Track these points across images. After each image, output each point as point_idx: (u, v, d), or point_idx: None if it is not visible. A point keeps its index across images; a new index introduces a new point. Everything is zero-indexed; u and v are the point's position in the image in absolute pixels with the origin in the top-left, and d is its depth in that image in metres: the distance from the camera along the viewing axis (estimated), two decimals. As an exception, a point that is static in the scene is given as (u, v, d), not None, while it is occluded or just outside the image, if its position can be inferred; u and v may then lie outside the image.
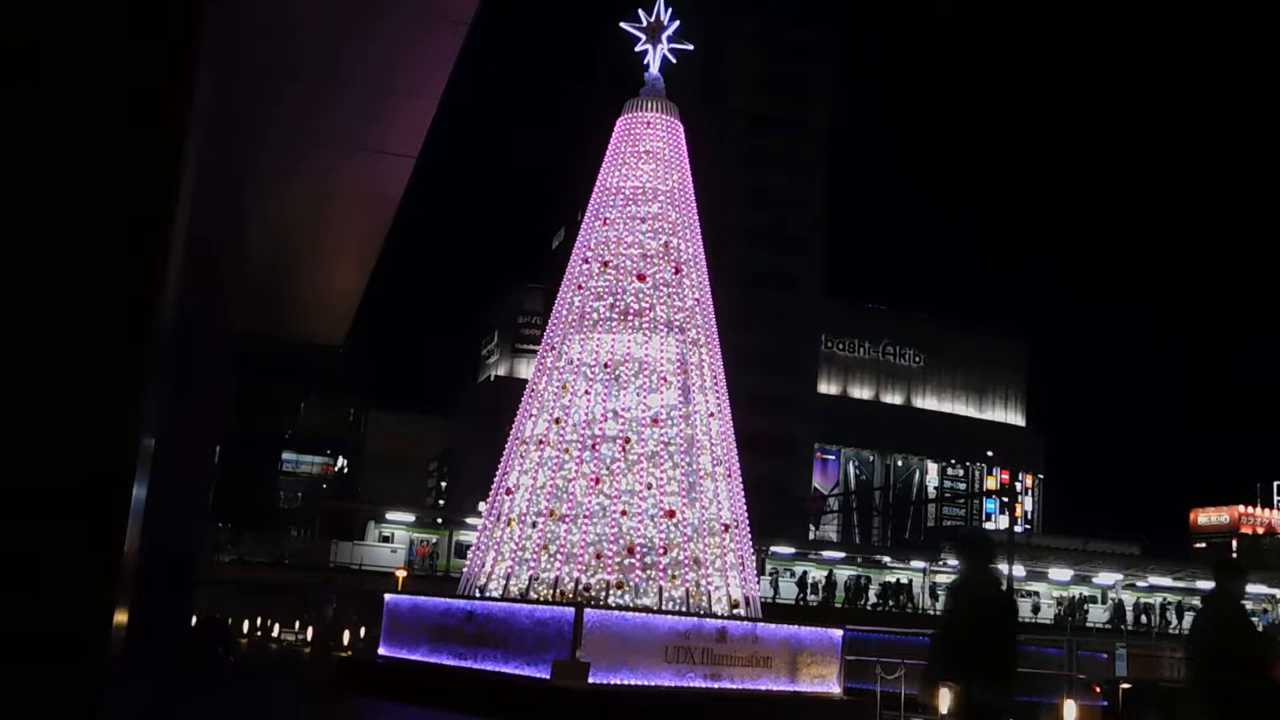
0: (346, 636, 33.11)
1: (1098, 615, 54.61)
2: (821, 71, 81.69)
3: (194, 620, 14.05)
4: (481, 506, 24.00)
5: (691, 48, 21.02)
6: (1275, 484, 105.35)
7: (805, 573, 51.57)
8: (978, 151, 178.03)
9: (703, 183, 21.38)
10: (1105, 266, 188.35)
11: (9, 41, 3.94)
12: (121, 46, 4.04)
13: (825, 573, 51.76)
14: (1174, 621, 55.09)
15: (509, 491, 18.90)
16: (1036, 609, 53.43)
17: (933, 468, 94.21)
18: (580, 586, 17.10)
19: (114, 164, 4.00)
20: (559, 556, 17.55)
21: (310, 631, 36.78)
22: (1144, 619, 54.81)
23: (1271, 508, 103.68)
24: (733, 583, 18.27)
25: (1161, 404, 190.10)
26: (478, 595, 18.26)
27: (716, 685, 15.75)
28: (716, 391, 19.48)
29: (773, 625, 17.67)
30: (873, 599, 51.17)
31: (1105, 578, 56.97)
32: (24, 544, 3.68)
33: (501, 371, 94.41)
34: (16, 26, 3.93)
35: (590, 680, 14.48)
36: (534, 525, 18.07)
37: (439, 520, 50.82)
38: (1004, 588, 7.68)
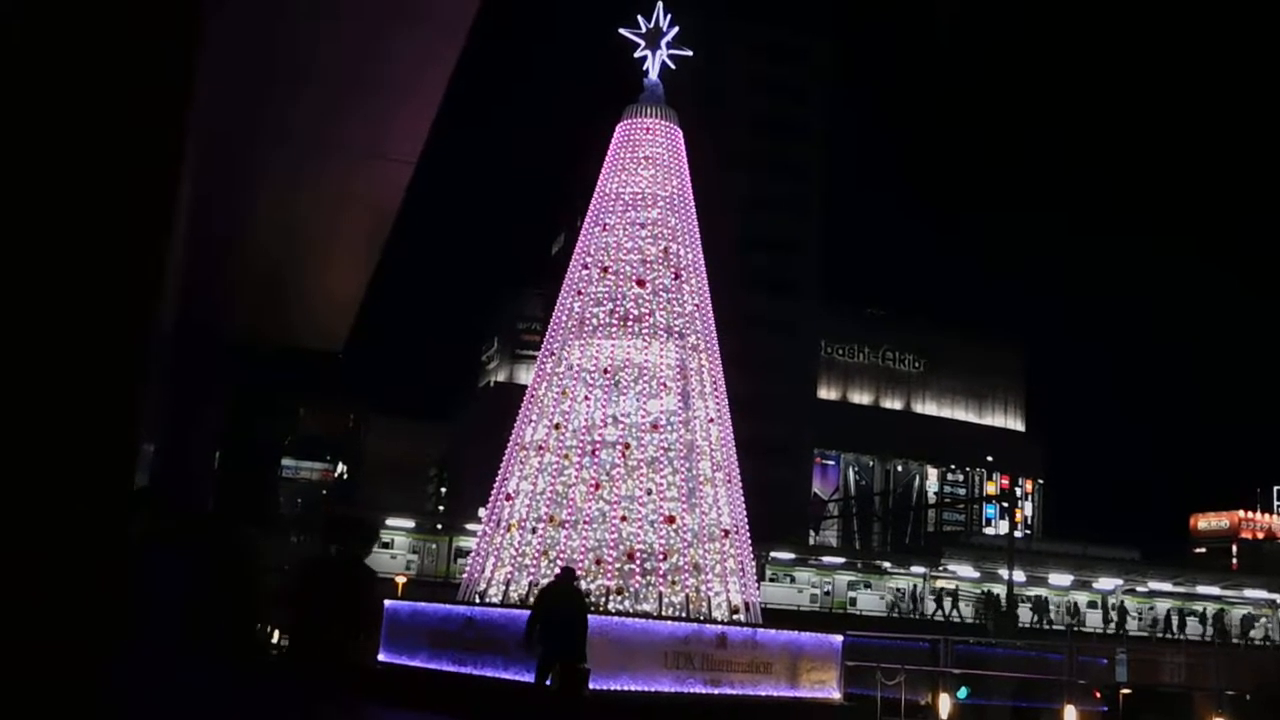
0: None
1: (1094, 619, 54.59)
2: (820, 75, 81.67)
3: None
4: (481, 512, 23.96)
5: (690, 53, 21.00)
6: (1275, 489, 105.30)
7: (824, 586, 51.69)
8: (977, 154, 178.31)
9: (702, 187, 21.36)
10: (1105, 269, 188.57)
11: (7, 41, 3.94)
12: (120, 47, 4.04)
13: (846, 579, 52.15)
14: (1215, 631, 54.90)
15: (509, 497, 18.88)
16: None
17: (932, 473, 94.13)
18: (580, 592, 17.09)
19: (113, 164, 4.00)
20: (559, 562, 17.52)
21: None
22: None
23: (1271, 512, 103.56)
24: (733, 588, 18.25)
25: (1161, 408, 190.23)
26: (477, 601, 18.24)
27: (716, 691, 15.72)
28: (716, 397, 19.46)
29: (772, 631, 17.65)
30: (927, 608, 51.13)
31: (1105, 583, 56.89)
32: (23, 545, 3.67)
33: (501, 377, 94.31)
34: (15, 26, 3.92)
35: (590, 686, 14.45)
36: (534, 531, 18.06)
37: (439, 526, 50.71)
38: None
